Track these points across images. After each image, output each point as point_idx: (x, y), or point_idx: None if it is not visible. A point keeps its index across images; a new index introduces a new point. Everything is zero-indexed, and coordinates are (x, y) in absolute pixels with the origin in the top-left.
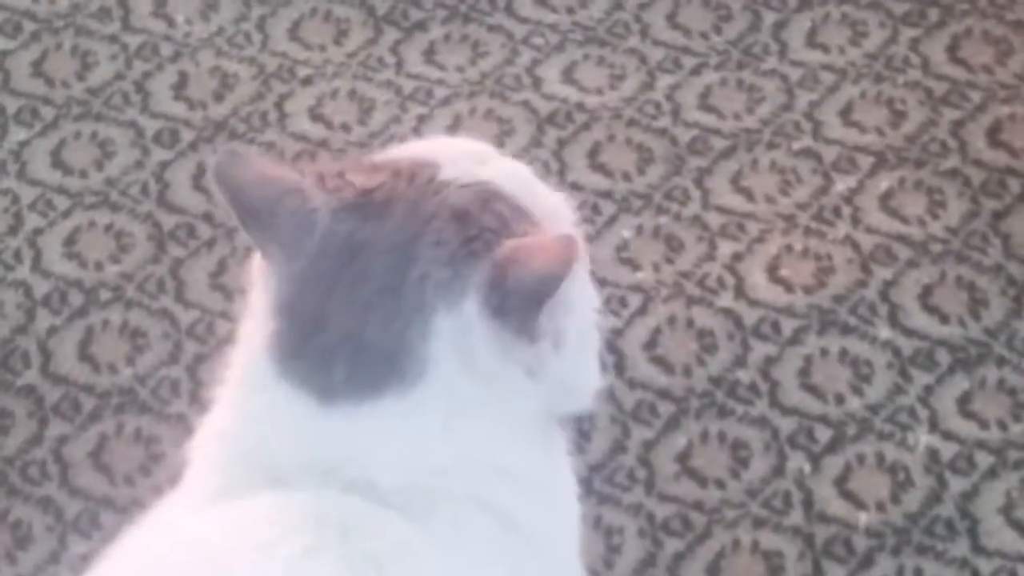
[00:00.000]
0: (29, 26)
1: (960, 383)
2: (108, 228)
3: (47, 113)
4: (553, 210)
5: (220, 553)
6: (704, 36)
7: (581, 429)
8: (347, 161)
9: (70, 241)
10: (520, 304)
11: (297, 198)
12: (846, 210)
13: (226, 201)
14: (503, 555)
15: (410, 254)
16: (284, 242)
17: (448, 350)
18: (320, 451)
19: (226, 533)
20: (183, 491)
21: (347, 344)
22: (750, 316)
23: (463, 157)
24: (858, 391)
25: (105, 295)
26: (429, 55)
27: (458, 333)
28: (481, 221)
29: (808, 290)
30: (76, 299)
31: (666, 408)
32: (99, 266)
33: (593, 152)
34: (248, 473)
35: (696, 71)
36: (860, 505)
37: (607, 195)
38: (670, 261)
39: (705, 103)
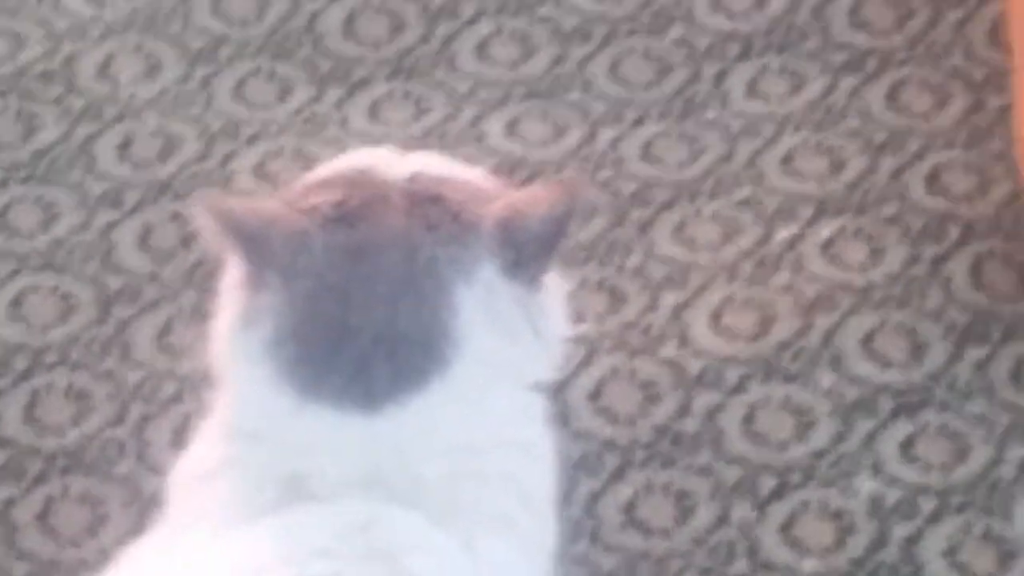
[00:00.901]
0: None
1: (903, 428)
2: (53, 291)
3: None
4: (484, 182)
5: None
6: (645, 88)
7: None
8: (293, 190)
9: (15, 304)
10: (535, 252)
11: (284, 221)
12: (788, 258)
13: (222, 230)
14: (523, 543)
15: (410, 245)
16: (282, 265)
17: (477, 319)
18: (364, 460)
19: (262, 552)
20: (183, 523)
21: (381, 344)
22: (694, 366)
23: (386, 158)
24: (802, 438)
25: (50, 358)
26: (373, 112)
27: (482, 299)
28: (454, 199)
29: (751, 339)
30: (21, 362)
31: (611, 459)
32: (44, 329)
33: None
34: (277, 496)
35: (637, 123)
36: (805, 552)
37: None
38: (613, 312)
39: (647, 154)
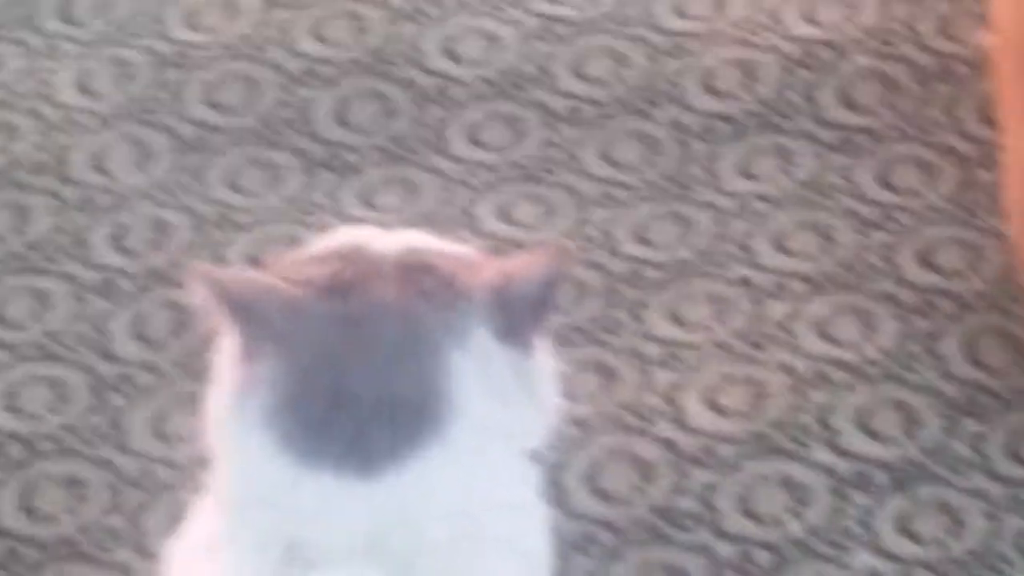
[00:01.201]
0: None
1: (899, 503)
2: (48, 380)
3: None
4: (472, 254)
5: None
6: (636, 169)
7: None
8: (284, 266)
9: (10, 394)
10: (527, 317)
11: (279, 292)
12: (781, 336)
13: (217, 302)
14: None
15: (405, 314)
16: (279, 335)
17: (472, 383)
18: (363, 527)
19: None
20: None
21: (379, 410)
22: (689, 444)
23: (373, 235)
24: (798, 515)
25: (45, 447)
26: (365, 198)
27: (476, 363)
28: (446, 268)
29: (746, 416)
30: (16, 452)
31: (607, 539)
32: (39, 418)
33: None
34: (277, 565)
35: (629, 204)
36: None
37: (547, 329)
38: (608, 392)
39: (639, 235)
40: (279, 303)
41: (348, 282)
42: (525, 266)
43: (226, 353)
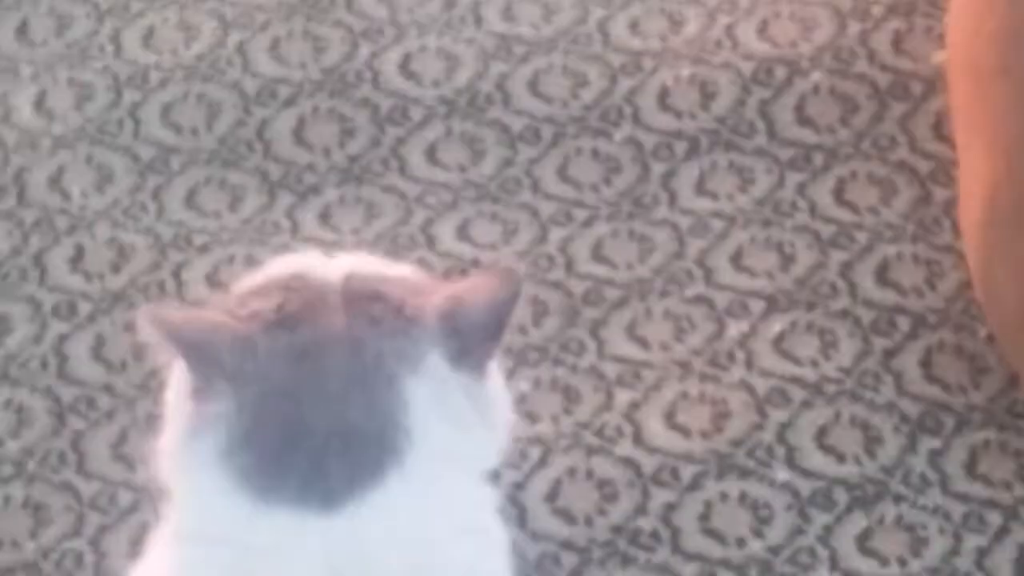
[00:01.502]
0: None
1: (859, 521)
2: (8, 403)
3: None
4: (418, 278)
5: None
6: (594, 188)
7: None
8: (229, 299)
9: None
10: (480, 340)
11: (228, 330)
12: (740, 354)
13: (167, 342)
14: None
15: (355, 343)
16: (230, 373)
17: (427, 409)
18: (323, 561)
19: None
20: None
21: (335, 442)
22: (649, 464)
23: (317, 262)
24: (758, 534)
25: (6, 471)
26: (324, 218)
27: (431, 390)
28: (393, 294)
29: (705, 435)
30: None
31: (569, 559)
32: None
33: None
34: None
35: (587, 223)
36: None
37: (505, 350)
38: (568, 412)
39: (597, 254)
40: (228, 341)
41: (295, 314)
42: (475, 289)
43: (177, 389)
